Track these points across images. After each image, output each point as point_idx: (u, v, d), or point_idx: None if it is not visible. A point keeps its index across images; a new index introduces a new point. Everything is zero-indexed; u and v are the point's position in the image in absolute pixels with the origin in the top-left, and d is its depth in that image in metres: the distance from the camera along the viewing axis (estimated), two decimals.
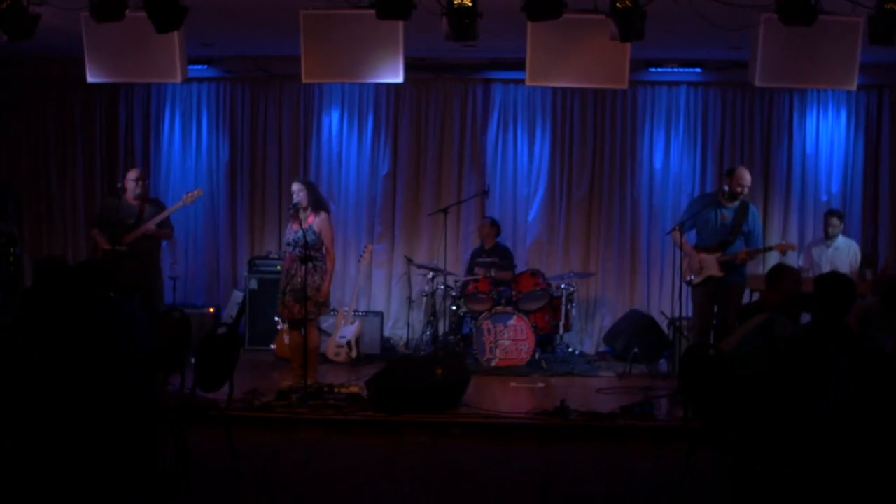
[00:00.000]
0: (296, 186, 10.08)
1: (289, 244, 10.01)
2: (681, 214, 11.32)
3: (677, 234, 10.61)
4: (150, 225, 10.81)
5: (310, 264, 9.81)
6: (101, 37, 9.72)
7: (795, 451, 6.06)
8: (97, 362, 6.45)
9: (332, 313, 11.79)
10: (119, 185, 11.21)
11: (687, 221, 10.62)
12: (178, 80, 10.07)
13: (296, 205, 9.95)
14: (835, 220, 11.80)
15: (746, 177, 10.55)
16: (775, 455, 6.18)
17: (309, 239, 9.77)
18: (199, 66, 12.65)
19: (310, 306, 9.84)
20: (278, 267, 12.14)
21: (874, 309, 8.16)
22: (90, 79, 10.14)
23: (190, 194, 11.27)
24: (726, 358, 6.66)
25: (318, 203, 10.13)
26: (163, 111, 13.45)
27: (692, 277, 10.57)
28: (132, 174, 11.09)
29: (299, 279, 9.80)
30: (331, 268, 10.12)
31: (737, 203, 10.53)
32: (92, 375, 6.40)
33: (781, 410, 6.22)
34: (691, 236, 10.82)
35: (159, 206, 11.14)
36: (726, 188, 10.56)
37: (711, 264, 10.44)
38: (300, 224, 9.84)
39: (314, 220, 9.97)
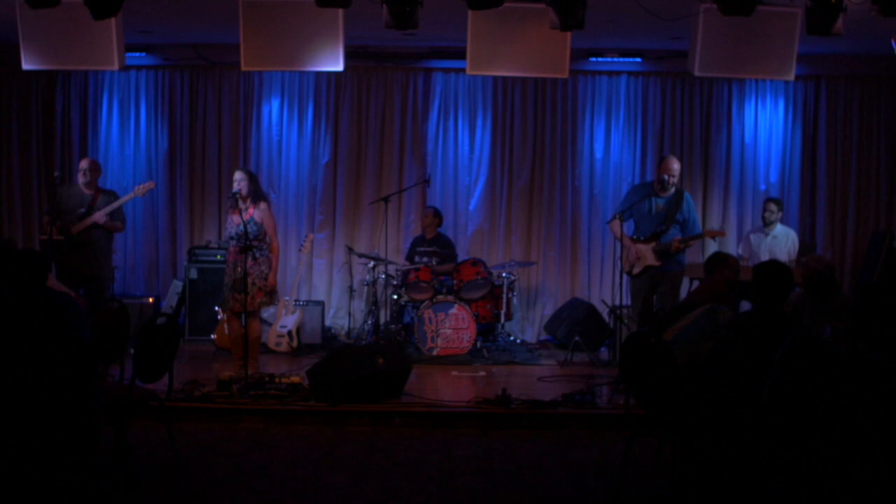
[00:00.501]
0: (238, 175, 10.02)
1: (232, 237, 9.95)
2: (619, 204, 11.41)
3: (616, 223, 10.72)
4: (100, 215, 10.70)
5: (255, 255, 9.82)
6: (36, 23, 9.63)
7: (735, 436, 6.13)
8: (32, 352, 6.36)
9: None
10: (56, 173, 11.11)
11: (626, 211, 10.69)
12: (116, 67, 10.01)
13: (236, 194, 9.89)
14: (772, 207, 11.94)
15: (673, 166, 10.72)
16: (716, 440, 6.24)
17: (251, 230, 9.77)
18: (137, 54, 12.57)
19: (259, 297, 9.88)
20: (219, 256, 12.14)
21: (804, 300, 8.26)
22: (25, 66, 10.04)
23: (141, 186, 11.16)
24: (666, 345, 6.70)
25: (258, 193, 10.11)
26: (100, 99, 13.31)
27: (631, 268, 10.67)
28: (83, 163, 11.01)
29: (241, 270, 9.75)
30: (276, 257, 10.12)
31: (671, 192, 10.67)
32: (27, 365, 6.31)
33: (723, 396, 6.29)
34: (630, 227, 10.90)
35: (113, 197, 11.04)
36: (656, 177, 10.72)
37: (647, 254, 10.58)
38: (240, 215, 9.80)
39: (255, 212, 9.94)
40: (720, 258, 7.97)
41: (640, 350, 6.82)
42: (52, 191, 10.99)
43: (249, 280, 9.82)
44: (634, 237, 10.76)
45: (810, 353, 5.96)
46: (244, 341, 9.72)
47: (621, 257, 10.73)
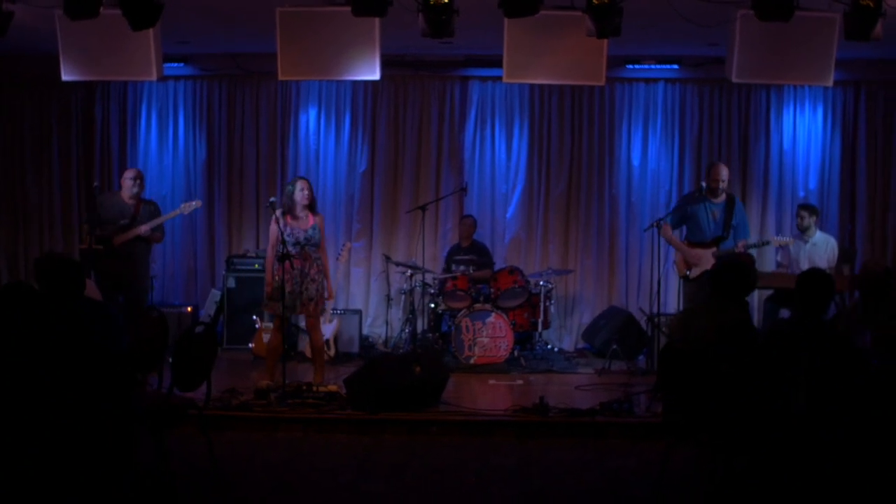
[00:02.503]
0: (305, 184, 9.97)
1: (300, 244, 9.91)
2: (669, 210, 11.42)
3: (667, 228, 10.74)
4: (146, 228, 10.74)
5: (318, 262, 9.97)
6: (75, 35, 9.70)
7: (771, 446, 6.09)
8: (70, 360, 6.39)
9: None
10: (96, 183, 11.16)
11: (676, 218, 10.72)
12: (154, 77, 10.07)
13: (294, 202, 9.84)
14: (803, 213, 11.80)
15: (723, 172, 10.81)
16: (752, 449, 6.21)
17: (316, 238, 9.86)
18: (175, 64, 12.64)
19: (322, 302, 10.06)
20: (256, 265, 12.19)
21: (857, 305, 8.23)
22: (65, 77, 10.11)
23: (187, 204, 11.21)
24: (702, 353, 6.65)
25: (315, 203, 10.11)
26: (139, 109, 13.39)
27: (689, 272, 10.71)
28: (129, 173, 11.01)
29: (292, 279, 9.79)
30: (327, 262, 10.23)
31: (723, 198, 10.73)
32: (66, 372, 6.35)
33: (758, 405, 6.24)
34: (678, 234, 10.92)
35: (153, 208, 11.06)
36: (704, 184, 10.72)
37: (708, 259, 10.60)
38: (299, 223, 9.81)
39: (316, 220, 9.96)
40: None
41: (677, 358, 6.78)
42: (93, 200, 11.03)
43: (314, 287, 9.90)
44: (690, 242, 10.82)
45: (846, 364, 5.93)
46: (275, 350, 9.94)
47: (675, 262, 10.75)
